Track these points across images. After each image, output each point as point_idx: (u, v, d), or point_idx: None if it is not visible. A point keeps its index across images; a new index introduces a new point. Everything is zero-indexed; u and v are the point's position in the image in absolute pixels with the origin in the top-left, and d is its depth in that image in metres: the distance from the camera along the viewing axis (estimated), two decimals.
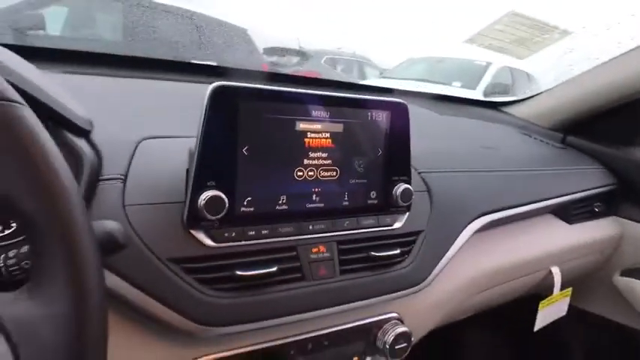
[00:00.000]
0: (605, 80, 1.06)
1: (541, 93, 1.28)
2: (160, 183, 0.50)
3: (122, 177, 0.48)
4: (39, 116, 0.30)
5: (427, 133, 0.94)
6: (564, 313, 1.02)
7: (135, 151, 0.52)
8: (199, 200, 0.46)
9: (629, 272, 1.09)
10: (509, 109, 1.34)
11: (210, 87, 0.47)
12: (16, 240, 0.44)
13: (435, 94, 1.37)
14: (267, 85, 0.50)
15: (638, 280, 1.06)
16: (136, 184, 0.49)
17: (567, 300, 1.01)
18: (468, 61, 5.66)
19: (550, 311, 0.97)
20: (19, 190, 0.27)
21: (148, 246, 0.46)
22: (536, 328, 0.96)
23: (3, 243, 0.43)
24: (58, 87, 0.56)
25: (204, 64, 1.05)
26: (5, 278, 0.37)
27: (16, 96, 0.28)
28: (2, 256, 0.37)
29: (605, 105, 1.08)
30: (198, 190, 0.47)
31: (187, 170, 0.51)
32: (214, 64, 1.16)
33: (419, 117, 1.10)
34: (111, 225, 0.38)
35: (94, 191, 0.46)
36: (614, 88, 1.04)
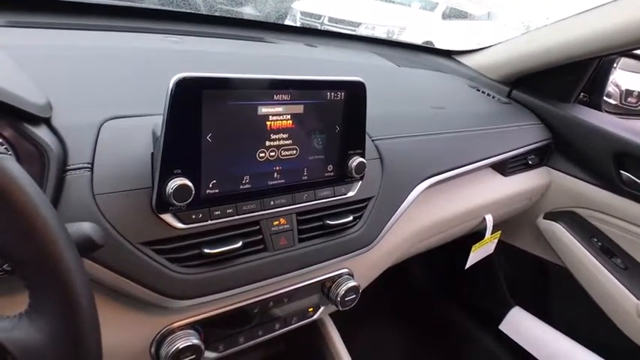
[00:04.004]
0: (558, 39, 1.11)
1: (493, 45, 1.32)
2: (126, 169, 0.52)
3: (89, 165, 0.50)
4: None
5: (386, 90, 0.98)
6: (492, 252, 1.17)
7: (98, 134, 0.53)
8: (167, 189, 0.49)
9: (550, 215, 1.25)
10: (463, 59, 1.38)
11: (173, 79, 0.47)
12: None
13: (397, 42, 1.38)
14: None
15: (556, 223, 1.22)
16: (104, 172, 0.50)
17: (496, 241, 1.15)
18: None
19: (480, 252, 1.11)
20: (10, 240, 0.29)
21: (120, 232, 0.49)
22: (467, 267, 1.10)
23: None
24: (7, 64, 0.54)
25: (158, 9, 0.99)
26: None
27: None
28: None
29: (553, 63, 1.14)
30: (165, 178, 0.49)
31: (152, 154, 0.53)
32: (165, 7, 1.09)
33: (380, 70, 1.13)
34: (88, 227, 0.40)
35: (63, 182, 0.48)
36: (566, 47, 1.10)
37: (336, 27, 4.87)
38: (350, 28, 4.87)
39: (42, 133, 0.48)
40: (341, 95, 0.62)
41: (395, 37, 5.11)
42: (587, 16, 1.06)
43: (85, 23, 0.84)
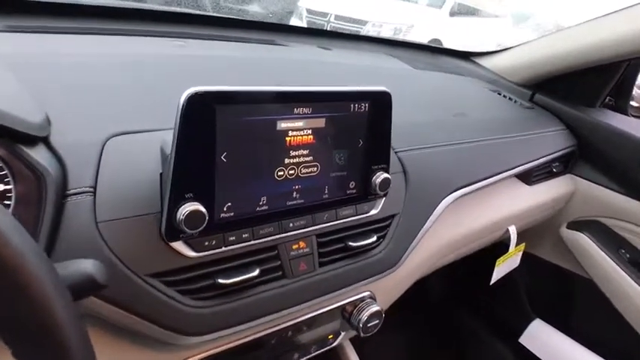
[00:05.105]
0: (585, 41, 1.05)
1: (515, 46, 1.26)
2: (132, 192, 0.47)
3: (91, 189, 0.45)
4: None
5: (405, 96, 0.92)
6: (517, 265, 1.11)
7: (101, 153, 0.48)
8: (178, 215, 0.44)
9: (574, 225, 1.19)
10: (482, 61, 1.32)
11: (185, 94, 0.42)
12: None
13: (413, 43, 1.32)
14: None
15: (580, 233, 1.16)
16: (107, 196, 0.45)
17: (520, 254, 1.09)
18: None
19: (505, 266, 1.06)
20: None
21: (126, 264, 0.44)
22: (492, 282, 1.04)
23: None
24: (2, 75, 0.49)
25: (164, 11, 0.94)
26: None
27: None
28: None
29: (579, 66, 1.08)
30: (175, 203, 0.44)
31: (161, 175, 0.48)
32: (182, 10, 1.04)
33: (397, 74, 1.07)
34: (89, 265, 0.36)
35: (62, 209, 0.43)
36: (593, 49, 1.04)
37: (342, 25, 4.80)
38: (357, 26, 4.80)
39: (38, 154, 0.43)
40: (365, 107, 0.57)
41: (402, 35, 5.03)
42: (616, 17, 1.00)
43: (86, 27, 0.79)
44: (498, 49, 1.29)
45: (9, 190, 0.43)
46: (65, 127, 0.48)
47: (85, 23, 0.80)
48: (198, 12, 1.04)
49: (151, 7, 0.93)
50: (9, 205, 0.43)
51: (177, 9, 1.02)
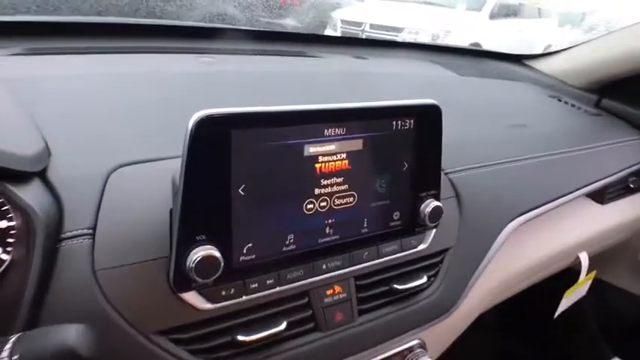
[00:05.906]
0: None
1: (573, 47, 1.12)
2: (138, 233, 0.40)
3: (90, 232, 0.38)
4: None
5: (451, 107, 0.82)
6: (584, 294, 0.96)
7: (104, 188, 0.41)
8: (188, 261, 0.37)
9: None
10: (536, 64, 1.18)
11: (193, 118, 0.35)
12: None
13: (456, 48, 1.22)
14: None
15: None
16: (108, 239, 0.39)
17: (590, 282, 0.95)
18: None
19: (572, 296, 0.92)
20: None
21: (128, 320, 0.37)
22: (556, 314, 0.91)
23: None
24: (3, 104, 0.44)
25: (190, 26, 0.89)
26: None
27: None
28: None
29: None
30: (185, 247, 0.37)
31: (171, 212, 0.41)
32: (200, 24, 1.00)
33: (441, 82, 0.97)
34: (70, 337, 0.29)
35: (56, 255, 0.37)
36: None
37: (378, 34, 4.70)
38: (392, 34, 4.69)
39: (28, 194, 0.37)
40: (410, 123, 0.48)
41: (440, 41, 4.85)
42: None
43: (110, 46, 0.75)
44: (552, 50, 1.15)
45: (12, 227, 0.38)
46: (66, 157, 0.43)
47: (109, 42, 0.77)
48: (227, 26, 0.99)
49: (176, 22, 0.89)
50: (11, 242, 0.38)
51: (203, 24, 0.97)
